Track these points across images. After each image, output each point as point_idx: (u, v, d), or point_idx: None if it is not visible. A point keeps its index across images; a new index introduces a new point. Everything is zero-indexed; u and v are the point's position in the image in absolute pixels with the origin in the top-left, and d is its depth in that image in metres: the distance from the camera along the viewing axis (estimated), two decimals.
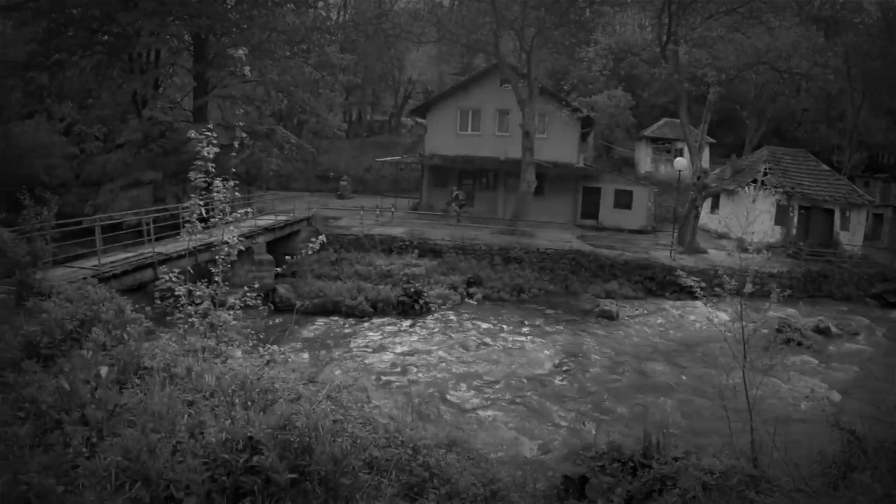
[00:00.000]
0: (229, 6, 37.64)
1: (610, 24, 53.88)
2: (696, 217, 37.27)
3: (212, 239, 9.15)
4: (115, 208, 29.73)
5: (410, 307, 26.48)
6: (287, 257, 10.22)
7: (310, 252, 9.61)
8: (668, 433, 11.10)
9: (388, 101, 74.78)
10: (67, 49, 35.83)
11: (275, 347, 8.54)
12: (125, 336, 9.42)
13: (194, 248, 21.74)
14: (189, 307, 9.13)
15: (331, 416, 6.34)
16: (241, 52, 9.70)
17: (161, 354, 8.55)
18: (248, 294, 9.71)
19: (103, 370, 7.87)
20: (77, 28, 35.65)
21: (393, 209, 39.80)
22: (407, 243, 32.70)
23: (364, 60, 57.81)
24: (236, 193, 9.29)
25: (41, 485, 5.58)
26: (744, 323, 9.66)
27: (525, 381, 19.91)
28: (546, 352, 22.80)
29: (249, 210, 10.17)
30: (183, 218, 23.18)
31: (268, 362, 7.05)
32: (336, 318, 25.50)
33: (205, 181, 9.08)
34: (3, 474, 5.76)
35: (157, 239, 21.01)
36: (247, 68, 10.40)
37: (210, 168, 9.03)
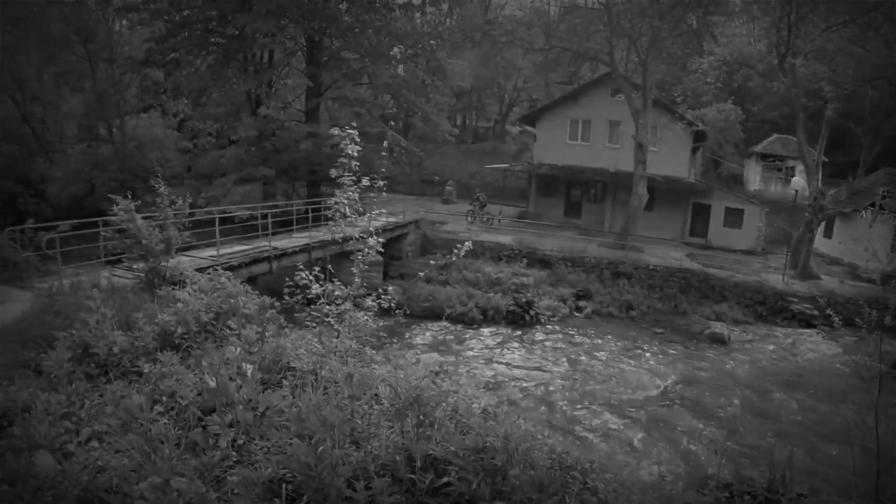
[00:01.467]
0: (343, 10, 37.89)
1: (722, 34, 52.12)
2: (811, 240, 35.36)
3: (343, 234, 8.86)
4: (227, 202, 30.32)
5: (521, 317, 25.96)
6: (437, 263, 9.79)
7: (454, 258, 9.19)
8: (793, 468, 10.90)
9: (493, 108, 74.43)
10: (183, 48, 36.81)
11: (437, 356, 8.09)
12: (265, 333, 9.16)
13: (308, 244, 21.91)
14: (328, 307, 8.77)
15: (527, 437, 5.81)
16: (395, 49, 9.44)
17: (307, 356, 8.20)
18: (384, 297, 9.29)
19: (248, 368, 7.59)
20: (193, 29, 36.47)
21: (500, 216, 39.54)
22: (515, 252, 32.34)
23: (470, 66, 57.74)
24: (383, 193, 8.97)
25: (195, 493, 5.19)
26: (881, 361, 9.24)
27: (636, 402, 19.26)
28: (657, 373, 21.95)
29: (383, 210, 9.81)
30: (297, 213, 23.43)
31: (437, 373, 6.58)
32: (446, 323, 25.16)
33: (351, 179, 8.84)
34: (151, 475, 5.42)
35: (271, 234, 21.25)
36: (401, 67, 10.15)
37: (353, 166, 8.79)
